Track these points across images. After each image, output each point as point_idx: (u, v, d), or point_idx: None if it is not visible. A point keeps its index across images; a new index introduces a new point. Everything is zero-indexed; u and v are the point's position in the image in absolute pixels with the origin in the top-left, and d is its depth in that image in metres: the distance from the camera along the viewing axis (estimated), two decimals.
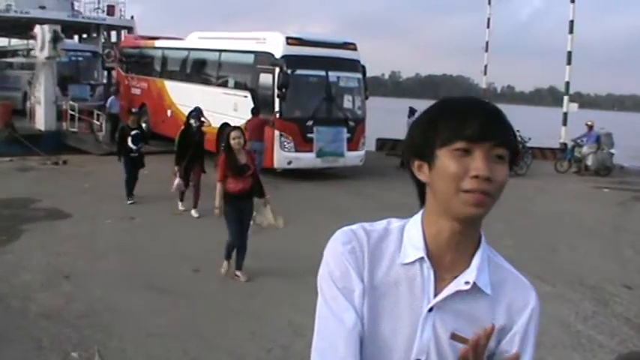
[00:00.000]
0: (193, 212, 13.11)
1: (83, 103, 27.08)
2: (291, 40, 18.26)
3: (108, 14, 37.69)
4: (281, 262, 8.92)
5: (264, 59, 18.47)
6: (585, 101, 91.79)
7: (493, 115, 1.67)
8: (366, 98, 20.08)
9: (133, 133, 14.29)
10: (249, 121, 17.11)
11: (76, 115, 24.32)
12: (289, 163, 18.11)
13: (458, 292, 1.68)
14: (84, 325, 7.14)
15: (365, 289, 1.71)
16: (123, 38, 35.70)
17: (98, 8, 38.04)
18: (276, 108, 17.94)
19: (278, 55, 17.98)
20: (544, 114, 68.82)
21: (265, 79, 18.45)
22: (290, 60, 17.87)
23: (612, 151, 23.26)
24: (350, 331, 1.68)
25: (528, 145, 23.32)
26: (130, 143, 14.22)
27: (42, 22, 24.77)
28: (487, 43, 36.84)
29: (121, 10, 38.29)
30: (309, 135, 18.23)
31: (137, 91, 26.30)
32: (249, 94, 18.71)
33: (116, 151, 15.04)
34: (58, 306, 7.73)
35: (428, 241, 1.71)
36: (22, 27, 32.60)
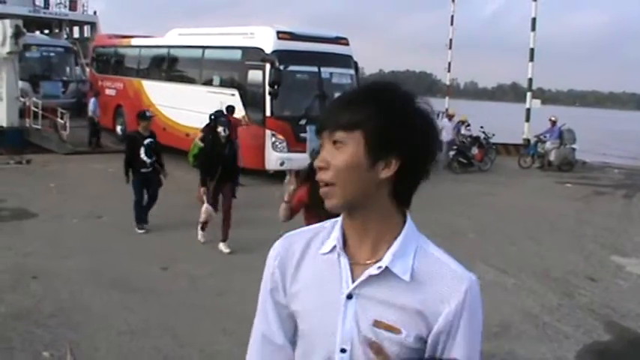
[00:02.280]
0: (222, 246, 10.50)
1: (55, 100, 26.73)
2: (282, 35, 17.46)
3: (70, 9, 37.37)
4: (248, 259, 8.94)
5: (253, 55, 17.58)
6: (547, 97, 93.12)
7: (337, 102, 1.72)
8: None
9: (147, 142, 11.50)
10: None
11: (39, 112, 23.98)
12: (282, 164, 16.77)
13: (372, 278, 1.70)
14: (54, 325, 7.12)
15: (288, 293, 1.83)
16: (95, 37, 35.18)
17: (60, 3, 37.71)
18: (267, 106, 17.20)
19: (268, 50, 17.14)
20: (507, 110, 69.48)
21: (254, 75, 17.65)
22: (282, 55, 17.04)
23: (574, 146, 23.59)
24: (261, 346, 1.90)
25: (492, 141, 23.56)
26: (142, 155, 11.44)
27: (2, 17, 24.43)
28: (450, 40, 37.08)
29: (83, 6, 38.01)
30: (302, 134, 16.98)
31: (112, 92, 25.16)
32: (236, 92, 18.07)
33: (124, 167, 11.62)
34: (27, 306, 7.68)
35: (345, 230, 1.77)
36: None
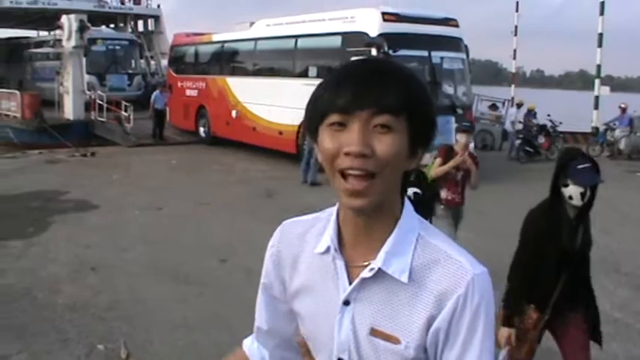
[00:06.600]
0: None
1: (121, 93, 27.18)
2: (387, 16, 16.06)
3: (134, 3, 37.96)
4: None
5: (355, 40, 16.02)
6: (616, 84, 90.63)
7: (372, 77, 1.43)
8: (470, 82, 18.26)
9: (411, 191, 6.59)
10: None
11: (104, 105, 24.36)
12: None
13: (367, 281, 1.49)
14: (110, 317, 7.09)
15: (287, 292, 1.67)
16: (159, 29, 35.65)
17: None
18: None
19: (374, 34, 15.80)
20: (575, 98, 67.98)
21: None
22: (389, 39, 15.67)
23: None
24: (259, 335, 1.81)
25: (559, 129, 23.02)
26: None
27: (68, 12, 24.90)
28: (516, 27, 36.34)
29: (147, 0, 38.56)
30: None
31: (193, 93, 24.06)
32: None
33: None
34: (84, 298, 7.68)
35: (341, 227, 1.54)
36: (49, 18, 32.91)
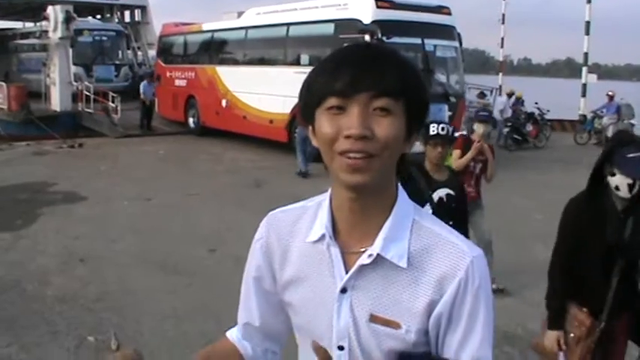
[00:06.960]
0: None
1: (108, 84, 27.06)
2: (381, 3, 15.97)
3: None
4: None
5: (348, 27, 15.90)
6: (603, 72, 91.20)
7: (370, 61, 1.42)
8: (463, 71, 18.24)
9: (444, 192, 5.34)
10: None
11: (91, 96, 24.23)
12: None
13: (365, 268, 1.49)
14: (100, 309, 7.07)
15: (278, 283, 1.66)
16: (146, 20, 35.50)
17: None
18: None
19: (367, 21, 15.72)
20: (562, 85, 68.07)
21: None
22: (383, 26, 15.58)
23: (633, 121, 22.92)
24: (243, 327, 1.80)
25: (547, 117, 23.09)
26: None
27: (54, 3, 24.72)
28: (503, 15, 36.44)
29: None
30: None
31: (182, 83, 23.97)
32: None
33: None
34: (73, 290, 7.66)
35: (335, 214, 1.54)
36: (34, 9, 32.71)
